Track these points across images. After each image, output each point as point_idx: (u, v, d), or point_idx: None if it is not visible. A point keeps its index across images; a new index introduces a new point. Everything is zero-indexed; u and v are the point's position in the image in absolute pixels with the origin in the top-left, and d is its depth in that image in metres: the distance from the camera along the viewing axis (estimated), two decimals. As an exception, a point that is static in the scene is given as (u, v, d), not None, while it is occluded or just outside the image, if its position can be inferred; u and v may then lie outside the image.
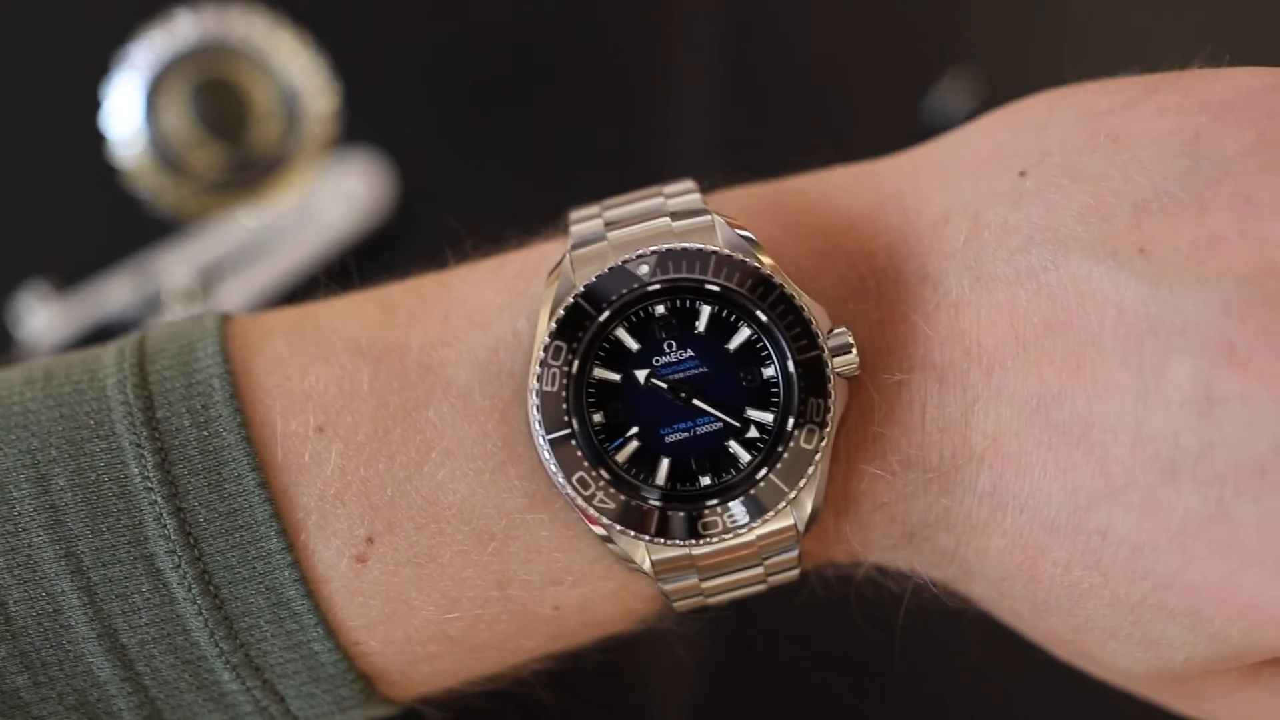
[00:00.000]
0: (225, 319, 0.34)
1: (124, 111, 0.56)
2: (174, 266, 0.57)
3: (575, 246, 0.32)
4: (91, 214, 0.60)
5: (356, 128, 0.60)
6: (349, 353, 0.33)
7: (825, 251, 0.34)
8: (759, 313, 0.31)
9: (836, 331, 0.31)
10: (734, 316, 0.32)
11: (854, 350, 0.31)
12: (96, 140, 0.57)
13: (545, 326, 0.31)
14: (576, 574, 0.32)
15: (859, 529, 0.33)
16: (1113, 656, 0.32)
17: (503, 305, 0.33)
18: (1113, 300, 0.30)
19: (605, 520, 0.31)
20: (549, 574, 0.32)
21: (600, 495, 0.31)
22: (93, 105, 0.57)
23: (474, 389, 0.32)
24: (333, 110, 0.58)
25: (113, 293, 0.56)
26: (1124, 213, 0.30)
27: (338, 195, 0.58)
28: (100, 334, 0.56)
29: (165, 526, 0.31)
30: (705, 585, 0.32)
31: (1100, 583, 0.30)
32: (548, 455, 0.31)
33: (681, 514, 0.31)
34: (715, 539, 0.31)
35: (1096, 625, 0.31)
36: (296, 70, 0.57)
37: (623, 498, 0.31)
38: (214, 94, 0.57)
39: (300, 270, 0.58)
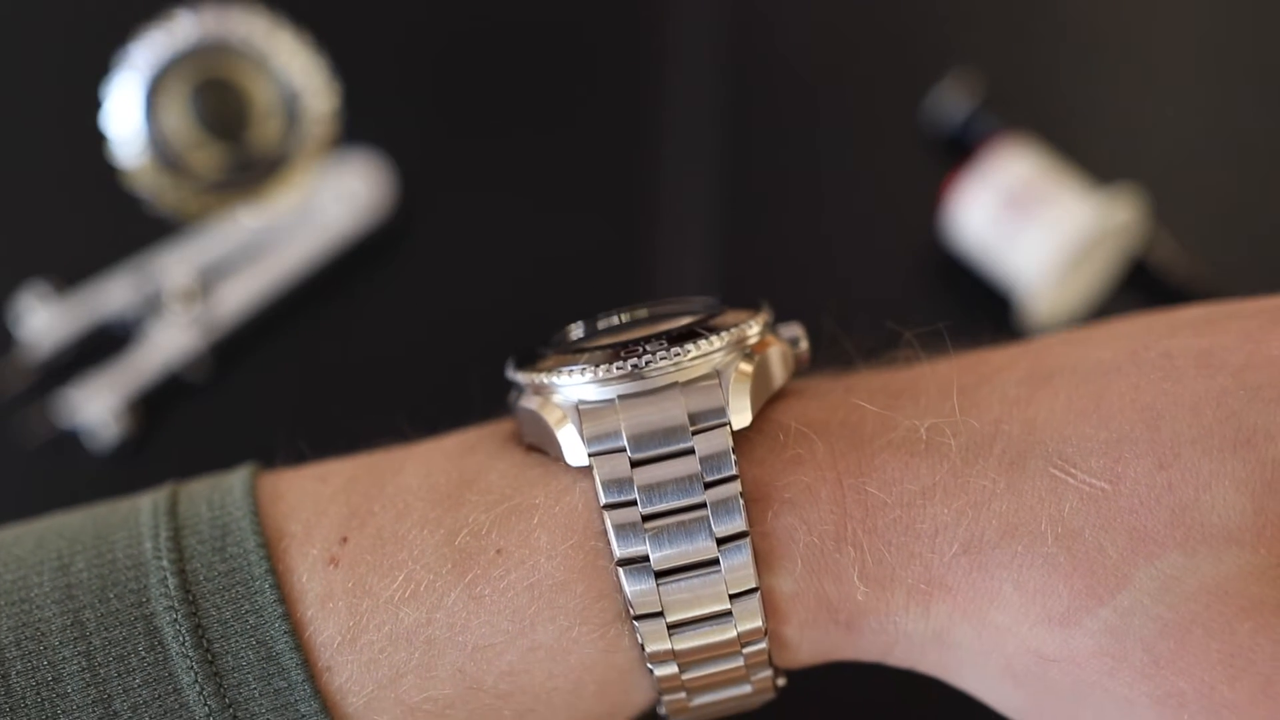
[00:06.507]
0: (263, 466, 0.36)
1: (124, 111, 0.56)
2: (174, 266, 0.57)
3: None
4: (91, 214, 0.60)
5: (356, 128, 0.60)
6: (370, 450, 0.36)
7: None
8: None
9: (786, 325, 0.34)
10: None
11: (804, 343, 0.34)
12: (96, 140, 0.57)
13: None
14: (517, 499, 0.32)
15: (870, 460, 0.31)
16: (1213, 509, 0.28)
17: None
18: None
19: (548, 379, 0.32)
20: (493, 503, 0.32)
21: (549, 363, 0.33)
22: (93, 105, 0.57)
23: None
24: (333, 110, 0.58)
25: (113, 293, 0.56)
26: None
27: (338, 195, 0.58)
28: (100, 334, 0.56)
29: (167, 585, 0.31)
30: (639, 479, 0.31)
31: (1176, 391, 0.29)
32: (512, 370, 0.34)
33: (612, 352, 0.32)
34: (640, 358, 0.31)
35: (1187, 467, 0.29)
36: (296, 70, 0.57)
37: (563, 356, 0.33)
38: (214, 94, 0.57)
39: (300, 270, 0.58)
